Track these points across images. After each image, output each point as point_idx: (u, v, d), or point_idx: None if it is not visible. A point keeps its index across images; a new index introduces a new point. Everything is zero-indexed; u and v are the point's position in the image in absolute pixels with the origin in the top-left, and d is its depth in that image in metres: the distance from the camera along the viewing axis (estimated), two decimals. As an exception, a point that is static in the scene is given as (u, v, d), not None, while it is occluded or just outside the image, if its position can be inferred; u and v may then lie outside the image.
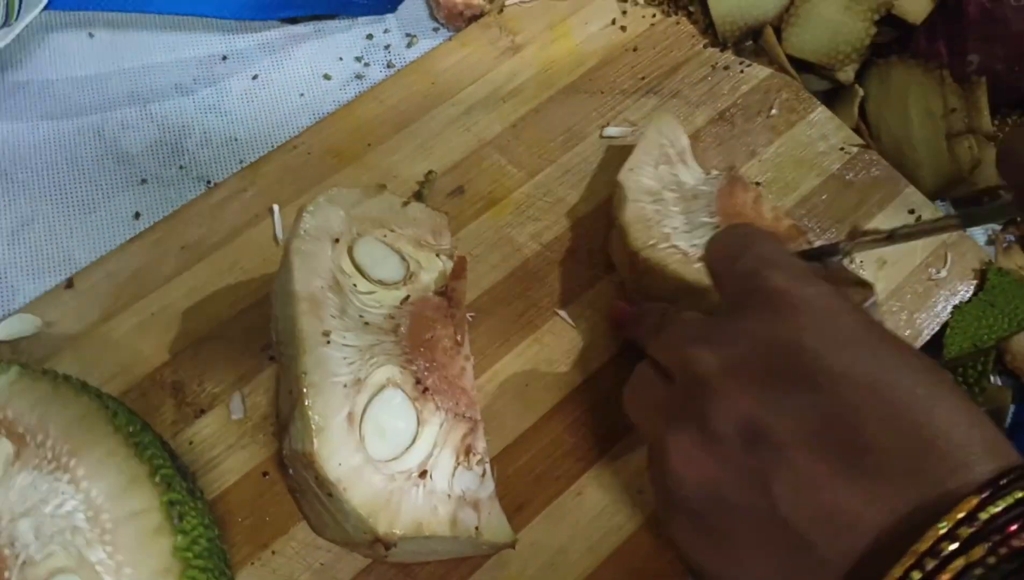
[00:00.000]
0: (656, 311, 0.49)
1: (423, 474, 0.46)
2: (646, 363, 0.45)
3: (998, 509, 0.30)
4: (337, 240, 0.48)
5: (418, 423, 0.46)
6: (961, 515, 0.31)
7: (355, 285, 0.48)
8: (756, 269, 0.40)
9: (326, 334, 0.45)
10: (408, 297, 0.49)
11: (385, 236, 0.50)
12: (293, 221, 0.48)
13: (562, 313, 0.55)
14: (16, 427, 0.41)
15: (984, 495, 0.31)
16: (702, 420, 0.37)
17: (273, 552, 0.48)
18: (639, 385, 0.44)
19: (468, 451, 0.47)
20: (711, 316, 0.42)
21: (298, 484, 0.47)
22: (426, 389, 0.47)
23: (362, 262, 0.49)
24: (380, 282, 0.49)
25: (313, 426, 0.43)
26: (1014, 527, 0.30)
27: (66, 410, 0.40)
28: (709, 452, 0.37)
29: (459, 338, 0.49)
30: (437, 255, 0.51)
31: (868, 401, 0.34)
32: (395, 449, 0.45)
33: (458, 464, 0.47)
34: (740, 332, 0.38)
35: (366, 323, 0.47)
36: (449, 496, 0.46)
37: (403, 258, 0.50)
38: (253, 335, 0.53)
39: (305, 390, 0.44)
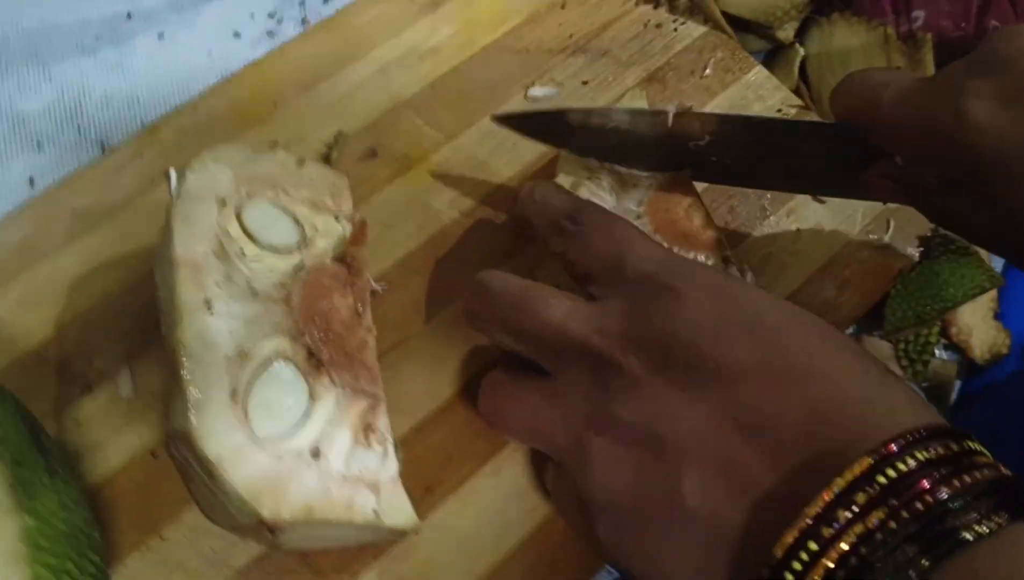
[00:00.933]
0: (494, 281, 0.44)
1: (315, 453, 0.42)
2: (499, 370, 0.45)
3: (902, 469, 0.29)
4: (224, 202, 0.45)
5: (310, 399, 0.43)
6: (853, 476, 0.30)
7: (242, 250, 0.45)
8: (654, 272, 0.40)
9: (208, 302, 0.42)
10: (302, 264, 0.46)
11: (278, 198, 0.47)
12: (176, 182, 0.45)
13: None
14: None
15: (880, 455, 0.30)
16: (620, 421, 0.37)
17: (162, 538, 0.45)
18: (501, 391, 0.44)
19: (368, 429, 0.44)
20: (588, 301, 0.41)
21: (183, 466, 0.44)
22: (320, 362, 0.44)
23: (251, 226, 0.45)
24: (271, 247, 0.45)
25: (191, 401, 0.40)
26: (924, 482, 0.29)
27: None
28: (628, 453, 0.37)
29: (360, 308, 0.46)
30: (336, 219, 0.48)
31: (764, 384, 0.35)
32: (284, 427, 0.42)
33: (356, 443, 0.44)
34: (646, 324, 0.38)
35: (254, 292, 0.44)
36: (345, 477, 0.43)
37: (297, 222, 0.47)
38: (147, 309, 0.49)
39: (184, 362, 0.41)
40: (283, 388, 0.43)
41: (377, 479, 0.44)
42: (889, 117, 0.43)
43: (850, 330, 0.55)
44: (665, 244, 0.48)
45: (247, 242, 0.45)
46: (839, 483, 0.30)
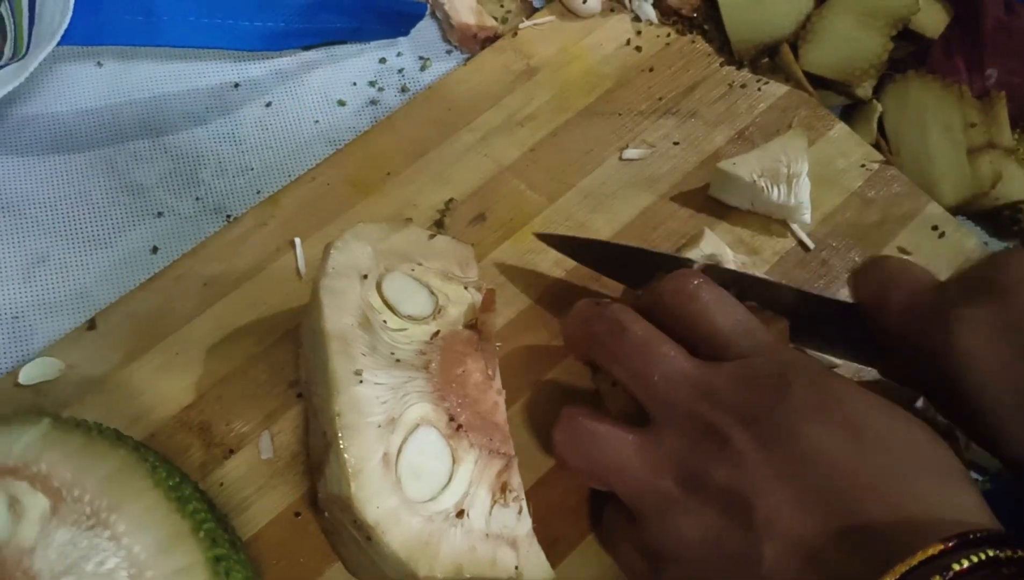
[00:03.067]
0: (618, 314, 0.47)
1: (460, 513, 0.45)
2: (580, 406, 0.46)
3: (959, 567, 0.32)
4: (365, 276, 0.48)
5: (453, 461, 0.46)
6: (915, 562, 0.33)
7: (385, 321, 0.47)
8: (760, 349, 0.43)
9: (358, 373, 0.45)
10: (438, 332, 0.48)
11: (412, 270, 0.50)
12: (321, 258, 0.47)
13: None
14: (51, 482, 0.40)
15: (942, 549, 0.33)
16: (715, 483, 0.40)
17: (308, 594, 0.47)
18: (583, 429, 0.45)
19: (504, 488, 0.47)
20: (703, 364, 0.44)
21: (333, 526, 0.46)
22: (460, 426, 0.46)
23: (391, 298, 0.48)
24: (410, 317, 0.48)
25: (350, 469, 0.42)
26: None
27: (103, 463, 0.40)
28: (701, 502, 0.40)
29: (490, 372, 0.49)
30: (465, 288, 0.51)
31: (847, 477, 0.37)
32: (431, 489, 0.45)
33: (494, 502, 0.46)
34: (755, 409, 0.40)
35: (397, 360, 0.47)
36: (487, 535, 0.45)
37: (431, 292, 0.49)
38: (279, 372, 0.52)
39: (340, 432, 0.43)
40: (429, 452, 0.45)
41: (515, 535, 0.47)
42: (891, 320, 0.46)
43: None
44: None
45: (388, 313, 0.48)
46: (900, 569, 0.33)
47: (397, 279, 0.49)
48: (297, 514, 0.49)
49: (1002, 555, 0.33)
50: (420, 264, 0.50)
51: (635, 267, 0.52)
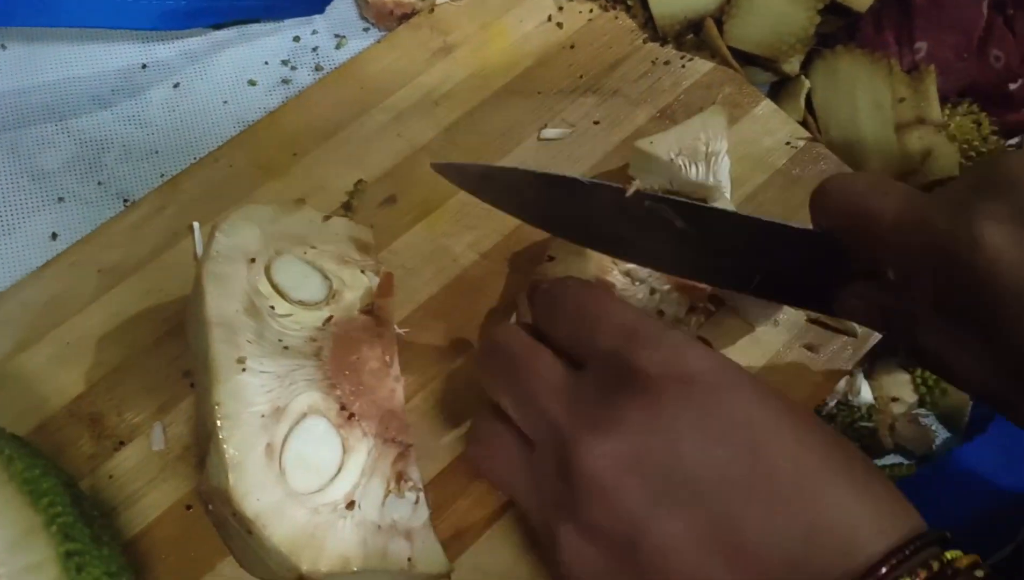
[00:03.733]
0: (507, 347, 0.42)
1: (350, 505, 0.43)
2: (490, 412, 0.42)
3: None
4: (253, 260, 0.46)
5: (344, 451, 0.44)
6: None
7: (273, 307, 0.46)
8: (620, 347, 0.38)
9: (241, 361, 0.43)
10: (331, 317, 0.47)
11: (305, 253, 0.48)
12: (205, 242, 0.46)
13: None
14: (-97, 476, 0.38)
15: None
16: (585, 515, 0.36)
17: (199, 590, 0.46)
18: (494, 447, 0.42)
19: (400, 478, 0.45)
20: (575, 377, 0.39)
21: (220, 520, 0.45)
22: (352, 415, 0.45)
23: (281, 282, 0.46)
24: (301, 303, 0.46)
25: (228, 460, 0.41)
26: None
27: (-43, 457, 0.38)
28: (594, 545, 0.36)
29: (388, 358, 0.47)
30: (362, 271, 0.49)
31: (746, 498, 0.33)
32: (319, 480, 0.43)
33: (389, 492, 0.45)
34: (619, 420, 0.36)
35: (285, 347, 0.45)
36: (379, 527, 0.44)
37: (325, 276, 0.47)
38: (174, 362, 0.50)
39: (219, 422, 0.41)
40: (317, 442, 0.44)
41: (410, 527, 0.45)
42: (890, 231, 0.40)
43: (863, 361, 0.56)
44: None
45: (277, 299, 0.46)
46: None
47: (288, 263, 0.47)
48: (188, 507, 0.47)
49: (928, 573, 0.31)
50: (314, 247, 0.48)
51: (543, 200, 0.47)
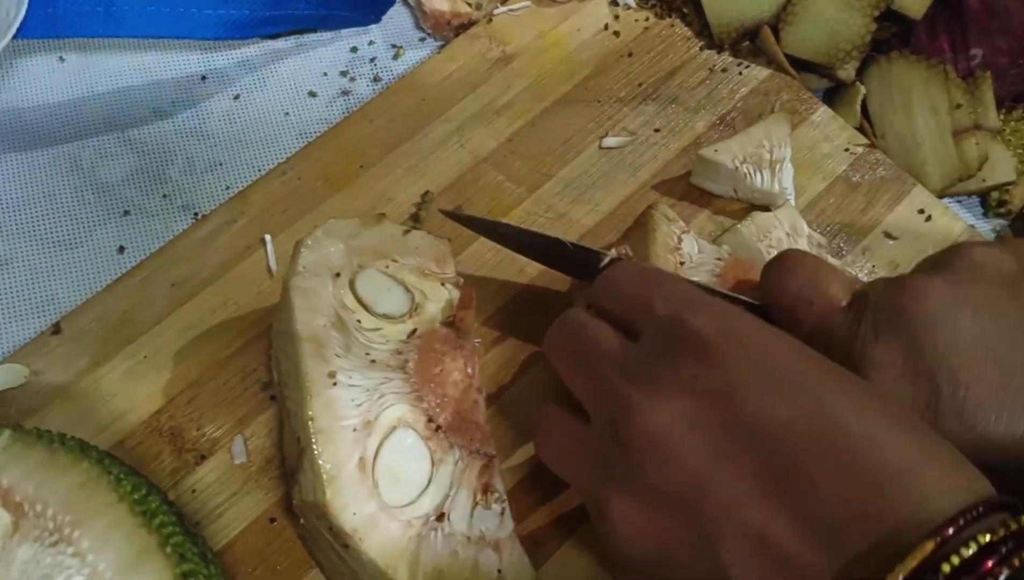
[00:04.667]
0: (568, 326, 0.44)
1: (440, 517, 0.44)
2: (553, 404, 0.43)
3: (964, 555, 0.29)
4: (338, 274, 0.46)
5: (432, 464, 0.44)
6: (915, 563, 0.29)
7: (359, 321, 0.46)
8: (675, 313, 0.38)
9: (332, 375, 0.43)
10: (415, 330, 0.47)
11: (387, 267, 0.48)
12: (290, 257, 0.46)
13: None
14: (13, 496, 0.38)
15: (940, 539, 0.29)
16: (642, 481, 0.35)
17: (285, 603, 0.46)
18: (552, 431, 0.42)
19: (486, 489, 0.46)
20: (633, 346, 0.40)
21: (309, 533, 0.45)
22: (438, 427, 0.45)
23: (365, 296, 0.47)
24: (385, 316, 0.47)
25: (324, 475, 0.41)
26: (989, 563, 0.29)
27: (66, 477, 0.38)
28: (654, 516, 0.35)
29: (470, 370, 0.47)
30: (442, 284, 0.49)
31: (813, 449, 0.33)
32: (410, 493, 0.43)
33: (476, 504, 0.45)
34: (672, 382, 0.36)
35: (373, 361, 0.45)
36: (469, 539, 0.44)
37: (407, 289, 0.48)
38: (251, 374, 0.51)
39: (313, 437, 0.42)
40: (407, 454, 0.44)
41: (497, 538, 0.45)
42: (807, 336, 0.41)
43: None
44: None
45: (363, 312, 0.46)
46: (900, 574, 0.29)
47: (371, 277, 0.47)
48: (272, 520, 0.48)
49: (1005, 532, 0.29)
50: (395, 261, 0.48)
51: (550, 252, 0.50)
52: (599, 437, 0.38)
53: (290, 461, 0.46)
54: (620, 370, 0.38)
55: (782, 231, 0.54)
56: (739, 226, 0.55)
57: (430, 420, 0.45)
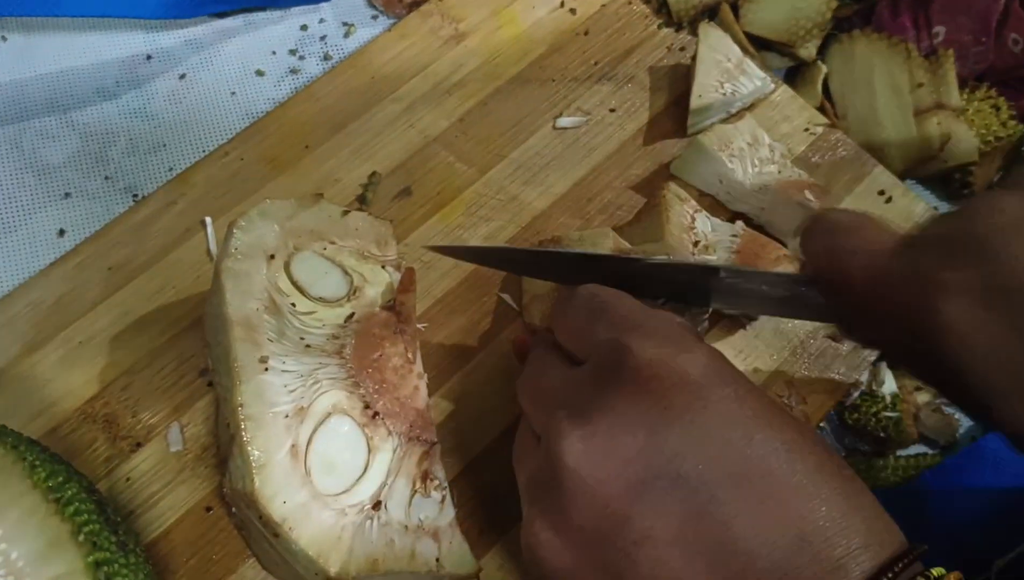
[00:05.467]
0: (537, 347, 0.42)
1: (377, 505, 0.42)
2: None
3: None
4: (272, 257, 0.45)
5: (369, 451, 0.43)
6: None
7: (294, 304, 0.45)
8: (615, 339, 0.36)
9: (263, 360, 0.42)
10: (353, 314, 0.46)
11: (324, 249, 0.47)
12: (223, 238, 0.44)
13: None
14: (-78, 486, 0.37)
15: None
16: (558, 507, 0.34)
17: (221, 594, 0.45)
18: (519, 434, 0.41)
19: (425, 477, 0.44)
20: (575, 373, 0.38)
21: (243, 522, 0.44)
22: (376, 413, 0.44)
23: (301, 279, 0.45)
24: (321, 300, 0.45)
25: (253, 463, 0.40)
26: None
27: (-23, 466, 0.37)
28: (565, 540, 0.34)
29: (410, 355, 0.46)
30: (383, 267, 0.48)
31: (735, 493, 0.31)
32: (345, 481, 0.42)
33: (415, 492, 0.44)
34: (605, 407, 0.34)
35: (307, 346, 0.44)
36: (406, 527, 0.43)
37: (345, 272, 0.46)
38: (188, 360, 0.49)
39: (243, 424, 0.40)
40: (342, 442, 0.43)
41: (437, 526, 0.44)
42: (860, 291, 0.38)
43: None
44: None
45: (298, 296, 0.45)
46: None
47: (307, 259, 0.46)
48: (208, 509, 0.46)
49: None
50: (333, 242, 0.47)
51: (539, 266, 0.47)
52: (539, 461, 0.37)
53: (223, 448, 0.45)
54: (558, 398, 0.37)
55: (743, 141, 0.53)
56: (699, 138, 0.53)
57: (367, 407, 0.44)
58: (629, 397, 0.34)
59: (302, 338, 0.44)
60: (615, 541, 0.32)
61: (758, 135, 0.54)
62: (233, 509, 0.43)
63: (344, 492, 0.42)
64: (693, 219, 0.51)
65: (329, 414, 0.43)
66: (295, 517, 0.40)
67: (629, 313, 0.37)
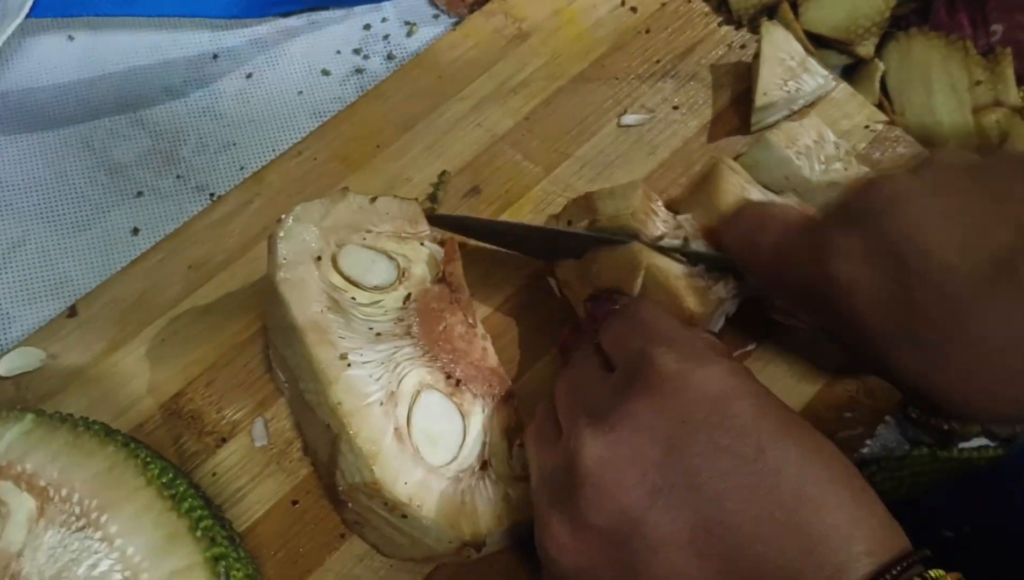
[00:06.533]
0: (581, 348, 0.45)
1: (484, 465, 0.44)
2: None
3: None
4: (319, 258, 0.46)
5: (462, 417, 0.45)
6: None
7: (353, 298, 0.45)
8: (643, 347, 0.38)
9: (343, 357, 0.43)
10: (409, 295, 0.47)
11: (364, 239, 0.47)
12: (267, 252, 0.45)
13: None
14: (37, 481, 0.38)
15: None
16: (576, 509, 0.36)
17: (309, 586, 0.46)
18: (542, 427, 0.42)
19: (517, 428, 0.46)
20: (605, 378, 0.40)
21: (360, 516, 0.45)
22: (458, 381, 0.45)
23: (351, 273, 0.46)
24: (376, 288, 0.46)
25: (367, 454, 0.41)
26: None
27: (92, 462, 0.38)
28: (581, 541, 0.36)
29: (470, 320, 0.47)
30: (421, 243, 0.49)
31: (746, 502, 0.33)
32: (451, 450, 0.44)
33: (511, 443, 0.45)
34: (626, 415, 0.36)
35: (377, 334, 0.45)
36: (515, 478, 0.45)
37: (390, 257, 0.47)
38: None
39: (345, 421, 0.42)
40: (437, 414, 0.44)
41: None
42: (763, 264, 0.44)
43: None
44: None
45: (354, 289, 0.46)
46: None
47: (352, 252, 0.47)
48: (295, 502, 0.47)
49: None
50: (370, 231, 0.48)
51: (545, 244, 0.50)
52: (559, 459, 0.38)
53: (322, 454, 0.45)
54: (589, 400, 0.39)
55: (809, 138, 0.54)
56: (767, 135, 0.54)
57: (448, 377, 0.45)
58: (649, 407, 0.36)
59: (371, 328, 0.45)
60: (632, 544, 0.34)
61: (823, 132, 0.54)
62: (349, 505, 0.44)
63: (453, 460, 0.44)
64: (745, 190, 0.52)
65: (418, 391, 0.44)
66: (419, 494, 0.42)
67: (659, 325, 0.41)
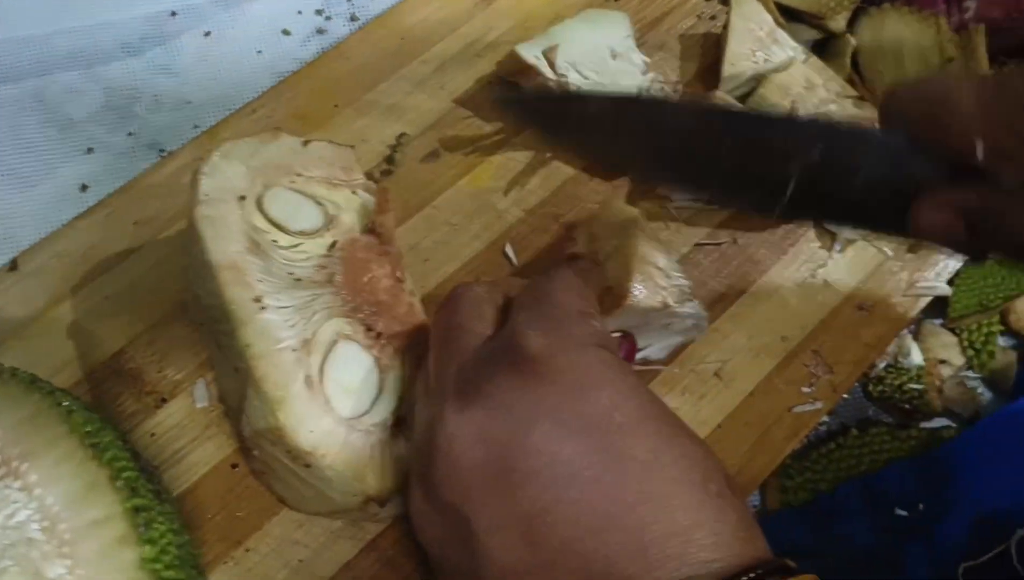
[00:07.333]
0: (475, 290, 0.42)
1: (399, 422, 0.43)
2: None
3: None
4: (243, 197, 0.44)
5: (380, 371, 0.43)
6: None
7: (275, 241, 0.44)
8: (520, 323, 0.37)
9: (258, 300, 0.42)
10: (335, 242, 0.45)
11: (293, 182, 0.46)
12: (190, 186, 0.43)
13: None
14: (-43, 430, 0.37)
15: None
16: (430, 481, 0.35)
17: (247, 550, 0.44)
18: (428, 380, 0.41)
19: None
20: (480, 345, 0.38)
21: (266, 465, 0.43)
22: (379, 334, 0.44)
23: (276, 215, 0.45)
24: (301, 232, 0.45)
25: (272, 398, 0.40)
26: None
27: (14, 409, 0.36)
28: (436, 512, 0.36)
29: (399, 274, 0.46)
30: (354, 192, 0.47)
31: (586, 496, 0.32)
32: (364, 402, 0.43)
33: None
34: (484, 391, 0.35)
35: (297, 279, 0.44)
36: None
37: (318, 202, 0.46)
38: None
39: (253, 363, 0.40)
40: (353, 366, 0.43)
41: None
42: (972, 110, 0.36)
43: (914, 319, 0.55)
44: None
45: (277, 232, 0.44)
46: None
47: (279, 195, 0.45)
48: (234, 466, 0.46)
49: None
50: (300, 175, 0.46)
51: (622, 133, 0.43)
52: (424, 426, 0.38)
53: (231, 397, 0.44)
54: (461, 359, 0.37)
55: (799, 86, 0.55)
56: (759, 90, 0.55)
57: (369, 329, 0.44)
58: (508, 386, 0.35)
59: (290, 273, 0.44)
60: (470, 525, 0.34)
61: (811, 78, 0.54)
62: (255, 452, 0.43)
63: (365, 413, 0.42)
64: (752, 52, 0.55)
65: (335, 342, 0.43)
66: (324, 443, 0.40)
67: (557, 301, 0.38)
